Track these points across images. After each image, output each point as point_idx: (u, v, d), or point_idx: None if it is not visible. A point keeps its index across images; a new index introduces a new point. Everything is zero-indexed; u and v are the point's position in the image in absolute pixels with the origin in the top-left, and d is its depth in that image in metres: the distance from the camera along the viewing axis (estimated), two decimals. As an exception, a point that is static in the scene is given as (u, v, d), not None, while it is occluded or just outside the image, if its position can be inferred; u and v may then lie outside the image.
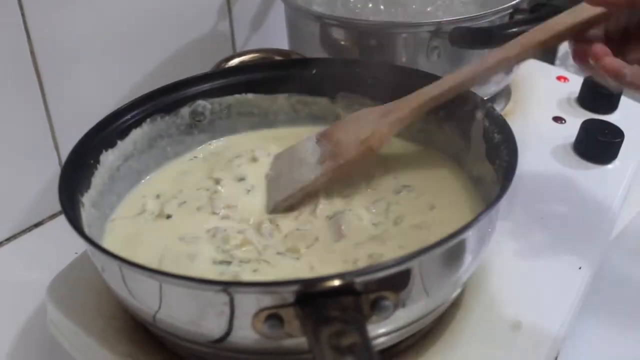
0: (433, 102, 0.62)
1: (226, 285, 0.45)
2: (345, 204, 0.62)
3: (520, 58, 0.61)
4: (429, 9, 0.85)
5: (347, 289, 0.43)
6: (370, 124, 0.63)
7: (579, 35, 0.59)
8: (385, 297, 0.45)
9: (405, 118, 0.62)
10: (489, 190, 0.59)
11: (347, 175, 0.63)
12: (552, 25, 0.60)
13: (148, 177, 0.67)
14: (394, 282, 0.45)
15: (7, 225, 0.79)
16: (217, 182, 0.65)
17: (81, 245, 0.51)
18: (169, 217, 0.61)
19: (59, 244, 0.64)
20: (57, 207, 0.52)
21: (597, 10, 0.58)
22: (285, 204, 0.62)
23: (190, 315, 0.47)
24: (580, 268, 0.64)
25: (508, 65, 0.62)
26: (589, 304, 0.66)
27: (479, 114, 0.62)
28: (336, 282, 0.43)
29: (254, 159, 0.68)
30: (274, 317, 0.44)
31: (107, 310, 0.58)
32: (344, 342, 0.40)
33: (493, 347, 0.56)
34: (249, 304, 0.44)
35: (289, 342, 0.45)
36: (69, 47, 0.77)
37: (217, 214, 0.61)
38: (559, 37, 0.60)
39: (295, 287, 0.43)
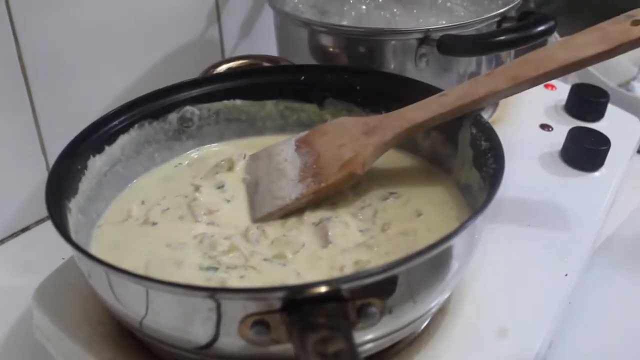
0: (418, 128, 0.62)
1: (213, 292, 0.45)
2: (332, 211, 0.62)
3: (509, 92, 0.61)
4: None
5: (333, 296, 0.43)
6: (352, 141, 0.63)
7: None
8: (371, 304, 0.45)
9: (389, 142, 0.62)
10: (476, 197, 0.59)
11: (328, 197, 0.62)
12: (544, 61, 0.59)
13: (135, 181, 0.67)
14: (381, 289, 0.45)
15: (-7, 230, 0.79)
16: (197, 189, 0.65)
17: (68, 251, 0.51)
18: (154, 224, 0.61)
19: (46, 250, 0.63)
20: (44, 212, 0.51)
21: (598, 49, 0.57)
22: (266, 220, 0.61)
23: (176, 322, 0.47)
24: (566, 275, 0.64)
25: (496, 98, 0.61)
26: (574, 310, 0.67)
27: (466, 122, 0.62)
28: (322, 289, 0.43)
29: (232, 164, 0.67)
30: (260, 324, 0.44)
31: (93, 316, 0.58)
32: (330, 348, 0.40)
33: (479, 353, 0.57)
34: (235, 310, 0.44)
35: (275, 349, 0.45)
36: (58, 52, 0.77)
37: (199, 222, 0.61)
38: (551, 75, 0.59)
39: (281, 294, 0.43)
